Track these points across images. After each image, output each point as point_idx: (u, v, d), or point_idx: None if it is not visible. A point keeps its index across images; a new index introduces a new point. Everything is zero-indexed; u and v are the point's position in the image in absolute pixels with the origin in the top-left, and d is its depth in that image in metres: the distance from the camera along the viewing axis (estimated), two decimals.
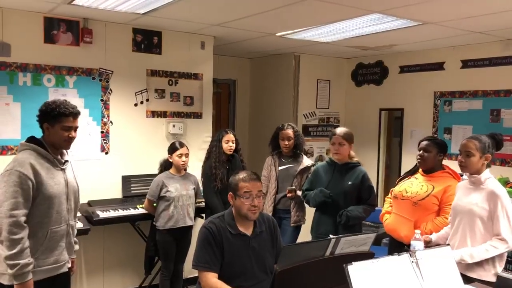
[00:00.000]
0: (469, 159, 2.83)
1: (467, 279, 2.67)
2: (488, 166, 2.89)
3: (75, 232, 2.90)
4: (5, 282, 2.47)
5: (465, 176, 3.04)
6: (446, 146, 3.40)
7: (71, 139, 2.65)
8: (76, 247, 2.91)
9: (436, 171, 3.32)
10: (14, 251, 2.39)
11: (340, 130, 3.75)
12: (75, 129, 2.67)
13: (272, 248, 2.70)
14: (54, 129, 2.60)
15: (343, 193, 3.63)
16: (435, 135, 5.16)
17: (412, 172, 3.50)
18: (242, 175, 2.63)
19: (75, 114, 2.65)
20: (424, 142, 3.34)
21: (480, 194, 2.82)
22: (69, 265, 2.77)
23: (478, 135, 2.95)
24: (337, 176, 3.69)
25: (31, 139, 2.64)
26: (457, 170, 3.38)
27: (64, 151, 2.75)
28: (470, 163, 2.84)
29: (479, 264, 2.76)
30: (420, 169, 3.40)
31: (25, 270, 2.42)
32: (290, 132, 4.25)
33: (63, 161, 2.70)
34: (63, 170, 2.69)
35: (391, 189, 3.58)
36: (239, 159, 4.33)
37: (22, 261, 2.41)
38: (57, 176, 2.62)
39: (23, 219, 2.45)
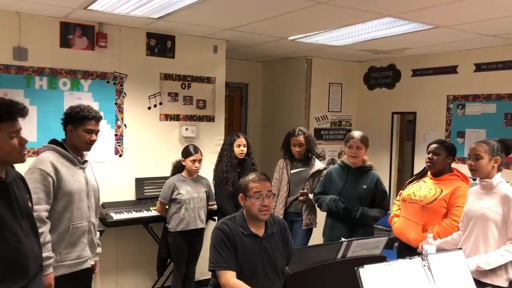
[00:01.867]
0: (479, 162, 2.82)
1: (479, 284, 2.66)
2: (499, 170, 2.87)
3: (97, 232, 2.98)
4: None
5: (476, 181, 3.02)
6: (455, 149, 3.38)
7: (92, 142, 2.78)
8: (99, 249, 2.99)
9: (444, 174, 3.31)
10: None
11: (357, 133, 3.74)
12: (96, 132, 2.80)
13: (284, 250, 2.71)
14: (77, 132, 2.73)
15: (358, 197, 3.64)
16: (448, 139, 5.14)
17: (420, 175, 3.49)
18: (251, 176, 2.66)
19: (98, 118, 2.80)
20: (433, 145, 3.33)
21: (493, 198, 2.80)
22: (92, 262, 2.86)
23: (486, 139, 2.94)
24: (351, 180, 3.69)
25: (53, 141, 2.77)
26: (467, 173, 3.38)
27: (84, 153, 2.86)
28: (480, 166, 2.82)
29: (492, 269, 2.74)
30: (429, 172, 3.39)
31: (46, 263, 2.49)
32: (301, 138, 4.24)
33: (83, 161, 2.81)
34: (83, 169, 2.80)
35: (400, 192, 3.58)
36: (251, 162, 4.35)
37: (43, 254, 2.45)
38: (77, 174, 2.74)
39: (44, 214, 2.57)
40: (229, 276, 2.49)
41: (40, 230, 2.45)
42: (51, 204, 2.63)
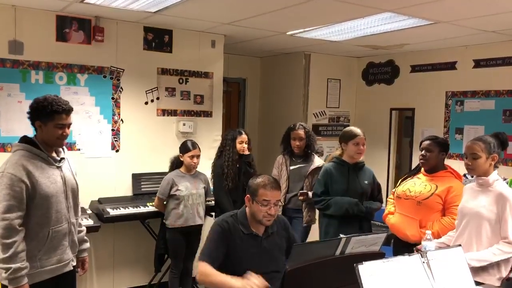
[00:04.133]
0: (476, 162, 2.79)
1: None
2: (496, 167, 2.85)
3: (84, 230, 2.88)
4: (6, 283, 2.42)
5: (469, 177, 3.00)
6: (448, 144, 3.38)
7: (64, 137, 2.56)
8: (87, 245, 2.89)
9: (438, 171, 3.31)
10: (7, 255, 2.34)
11: (360, 130, 3.71)
12: (68, 126, 2.57)
13: (283, 250, 2.70)
14: (47, 127, 2.51)
15: (362, 193, 3.64)
16: (446, 136, 5.13)
17: (414, 173, 3.49)
18: (263, 181, 2.59)
19: (68, 110, 2.55)
20: (426, 142, 3.32)
21: (488, 196, 2.79)
22: (74, 264, 2.73)
23: (482, 136, 2.91)
24: (353, 176, 3.67)
25: (23, 139, 2.56)
26: (460, 170, 3.37)
27: (60, 148, 2.67)
28: (477, 165, 2.80)
29: (484, 268, 2.72)
30: (423, 169, 3.39)
31: (17, 274, 2.36)
32: (301, 132, 4.24)
33: (59, 159, 2.62)
34: (59, 167, 2.60)
35: (393, 190, 3.58)
36: (250, 158, 4.32)
37: (14, 265, 2.35)
38: (52, 174, 2.54)
39: (16, 221, 2.38)
40: (206, 266, 2.46)
41: (11, 240, 2.34)
42: (24, 210, 2.41)
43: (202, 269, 2.48)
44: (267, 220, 2.57)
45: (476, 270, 2.71)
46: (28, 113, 2.56)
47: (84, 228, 2.91)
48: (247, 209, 2.65)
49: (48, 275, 2.54)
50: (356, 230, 3.49)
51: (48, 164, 2.54)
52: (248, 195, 2.63)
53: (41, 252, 2.50)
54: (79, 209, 2.83)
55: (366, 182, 3.66)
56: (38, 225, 2.48)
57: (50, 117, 2.49)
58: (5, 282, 2.39)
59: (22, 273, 2.38)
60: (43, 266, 2.52)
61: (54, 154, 2.61)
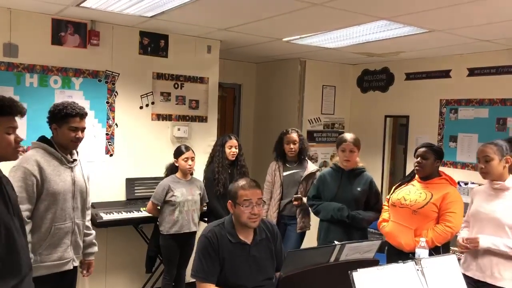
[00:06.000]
0: (489, 164, 2.79)
1: (476, 284, 2.69)
2: (511, 171, 2.85)
3: (93, 234, 2.96)
4: None
5: (462, 185, 3.00)
6: (443, 152, 3.38)
7: (78, 140, 2.71)
8: (95, 248, 2.97)
9: (433, 178, 3.30)
10: None
11: (350, 136, 3.71)
12: (82, 129, 2.72)
13: (273, 256, 2.66)
14: (61, 130, 2.67)
15: (353, 200, 3.61)
16: (440, 143, 5.15)
17: (408, 179, 3.47)
18: (241, 182, 2.59)
19: (82, 115, 2.71)
20: (422, 149, 3.31)
21: (506, 200, 2.77)
22: (76, 264, 2.79)
23: (493, 140, 2.91)
24: (345, 183, 3.67)
25: (42, 139, 2.71)
26: (454, 176, 3.38)
27: (74, 151, 2.80)
28: (491, 168, 2.79)
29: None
30: (417, 176, 3.37)
31: None
32: (295, 136, 4.24)
33: (72, 160, 2.75)
34: (71, 168, 2.74)
35: (387, 197, 3.55)
36: (241, 164, 4.31)
37: None
38: (63, 173, 2.68)
39: (26, 214, 2.50)
40: (205, 286, 2.46)
41: None
42: (34, 203, 2.56)
43: None
44: (252, 222, 2.52)
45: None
46: (47, 117, 2.73)
47: (93, 232, 3.01)
48: (233, 217, 2.62)
49: (47, 271, 2.62)
50: (341, 236, 3.49)
51: (60, 163, 2.69)
52: (230, 201, 2.60)
53: (42, 247, 2.61)
54: (87, 213, 2.94)
55: (358, 189, 3.62)
56: (42, 219, 2.60)
57: (64, 120, 2.66)
58: None
59: None
60: (42, 261, 2.61)
61: (68, 156, 2.75)
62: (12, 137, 1.94)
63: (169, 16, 3.91)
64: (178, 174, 4.08)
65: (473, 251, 2.87)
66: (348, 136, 3.72)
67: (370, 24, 3.87)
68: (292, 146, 4.23)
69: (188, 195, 4.00)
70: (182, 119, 4.78)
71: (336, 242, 2.33)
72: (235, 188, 2.58)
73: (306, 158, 4.35)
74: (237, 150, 4.25)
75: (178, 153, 4.05)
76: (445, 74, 5.26)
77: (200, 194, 4.12)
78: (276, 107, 6.31)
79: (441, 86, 5.30)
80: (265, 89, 6.54)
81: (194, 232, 4.10)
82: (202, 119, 4.92)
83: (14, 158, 2.02)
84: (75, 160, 2.78)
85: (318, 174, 4.11)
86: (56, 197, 2.62)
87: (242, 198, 2.52)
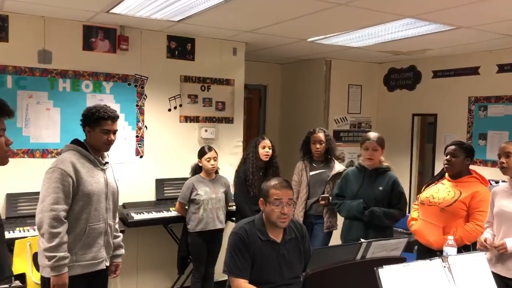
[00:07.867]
0: (510, 160, 2.80)
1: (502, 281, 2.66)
2: None
3: (121, 236, 3.01)
4: (46, 274, 2.59)
5: (498, 183, 2.97)
6: (473, 150, 3.34)
7: (110, 142, 2.77)
8: (122, 251, 3.01)
9: (463, 176, 3.27)
10: (53, 243, 2.52)
11: (373, 135, 3.70)
12: (114, 132, 2.78)
13: (301, 256, 2.69)
14: (94, 132, 2.73)
15: (374, 199, 3.60)
16: (469, 141, 5.07)
17: (438, 178, 3.45)
18: (273, 182, 2.64)
19: (114, 117, 2.77)
20: (452, 147, 3.28)
21: None
22: (107, 264, 2.86)
23: None
24: (367, 182, 3.66)
25: (75, 141, 2.78)
26: (484, 175, 3.32)
27: (105, 153, 2.87)
28: None
29: None
30: (447, 174, 3.35)
31: (61, 262, 2.54)
32: (321, 135, 4.23)
33: (104, 162, 2.82)
34: (103, 170, 2.80)
35: (418, 196, 3.53)
36: (275, 166, 4.28)
37: (59, 254, 2.53)
38: (97, 175, 2.74)
39: (63, 214, 2.58)
40: (241, 283, 2.50)
41: (57, 230, 2.53)
42: (69, 204, 2.62)
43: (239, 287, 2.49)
44: (281, 222, 2.56)
45: None
46: (80, 120, 2.79)
47: (120, 235, 3.05)
48: (263, 214, 2.66)
49: (80, 270, 2.68)
50: (363, 234, 3.49)
51: (94, 165, 2.75)
52: (261, 199, 2.66)
53: (78, 247, 2.67)
54: (117, 214, 3.01)
55: (380, 188, 3.59)
56: (77, 220, 2.67)
57: (96, 123, 2.71)
58: (47, 270, 2.56)
59: (65, 262, 2.56)
60: (78, 261, 2.67)
61: (100, 158, 2.81)
62: (2, 139, 1.81)
63: (196, 20, 3.99)
64: (202, 174, 4.16)
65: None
66: (372, 134, 3.71)
67: (395, 23, 3.85)
68: (318, 146, 4.23)
69: (211, 193, 4.07)
70: (209, 121, 4.85)
71: (362, 240, 2.33)
72: (267, 186, 2.63)
73: (333, 158, 4.33)
74: (270, 151, 4.21)
75: (201, 153, 4.14)
76: (474, 71, 5.17)
77: (224, 191, 4.18)
78: (301, 107, 6.32)
79: (469, 83, 5.22)
80: (290, 89, 6.56)
81: (220, 230, 4.17)
82: (229, 120, 4.98)
83: (4, 163, 1.86)
84: (107, 162, 2.85)
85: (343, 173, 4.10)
86: (91, 198, 2.68)
87: (273, 197, 2.56)
